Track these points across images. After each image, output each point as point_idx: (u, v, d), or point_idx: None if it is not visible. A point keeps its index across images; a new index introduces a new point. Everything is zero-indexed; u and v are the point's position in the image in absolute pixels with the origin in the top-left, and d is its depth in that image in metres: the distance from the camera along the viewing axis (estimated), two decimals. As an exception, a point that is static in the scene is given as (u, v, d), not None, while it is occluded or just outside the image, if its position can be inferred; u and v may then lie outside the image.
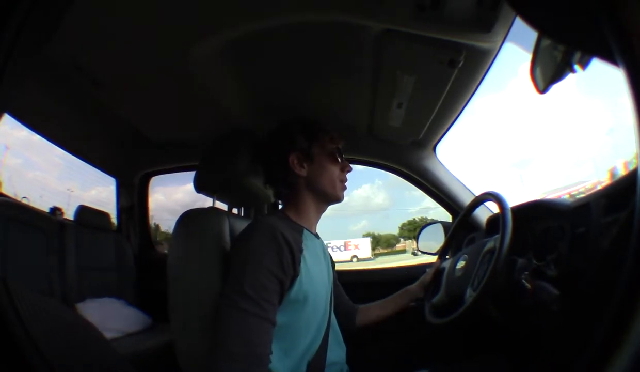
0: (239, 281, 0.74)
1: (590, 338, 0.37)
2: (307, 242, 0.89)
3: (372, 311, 1.17)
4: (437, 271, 1.21)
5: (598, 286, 0.65)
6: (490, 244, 0.99)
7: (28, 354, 0.42)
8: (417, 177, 1.62)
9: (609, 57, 0.29)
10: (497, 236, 0.92)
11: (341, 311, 1.12)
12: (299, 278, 0.80)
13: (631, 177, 0.68)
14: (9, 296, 0.43)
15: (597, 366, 0.34)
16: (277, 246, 0.77)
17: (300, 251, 0.83)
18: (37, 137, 1.66)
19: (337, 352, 0.95)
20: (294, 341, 0.82)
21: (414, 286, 1.20)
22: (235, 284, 0.75)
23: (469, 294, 0.94)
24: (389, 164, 1.66)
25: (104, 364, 0.63)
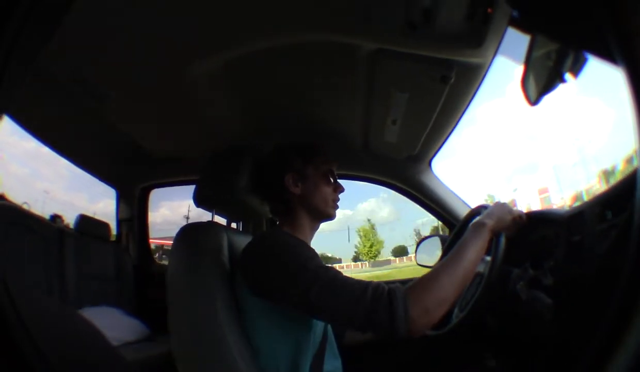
0: (301, 269, 0.75)
1: (585, 346, 0.37)
2: None
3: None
4: None
5: (593, 293, 0.65)
6: (480, 267, 0.98)
7: (28, 354, 0.42)
8: (414, 192, 1.63)
9: (609, 57, 0.30)
10: (488, 259, 0.92)
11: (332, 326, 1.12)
12: None
13: (625, 184, 0.69)
14: (9, 296, 0.43)
15: None
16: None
17: None
18: (46, 150, 1.67)
19: (332, 362, 0.98)
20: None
21: None
22: (302, 273, 0.75)
23: (456, 313, 0.94)
24: (385, 180, 1.67)
25: (108, 368, 0.63)
